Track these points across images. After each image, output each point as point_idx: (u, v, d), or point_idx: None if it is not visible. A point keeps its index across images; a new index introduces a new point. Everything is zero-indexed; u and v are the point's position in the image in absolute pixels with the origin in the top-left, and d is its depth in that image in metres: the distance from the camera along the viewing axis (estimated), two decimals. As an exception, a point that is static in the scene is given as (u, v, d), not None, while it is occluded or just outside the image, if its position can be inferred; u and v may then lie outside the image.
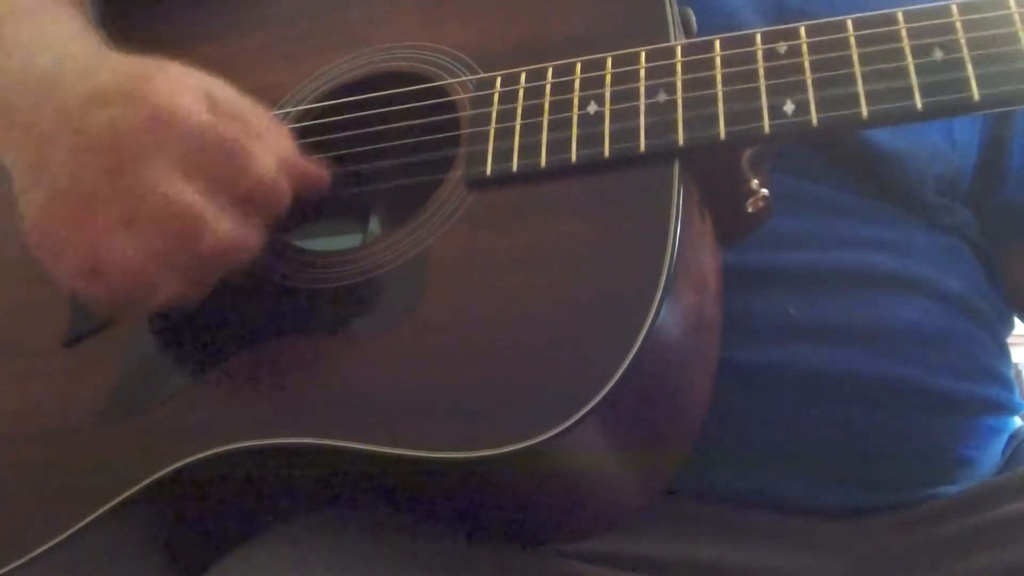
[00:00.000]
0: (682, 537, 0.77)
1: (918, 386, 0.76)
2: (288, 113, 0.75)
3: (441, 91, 0.72)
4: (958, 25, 0.61)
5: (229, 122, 0.64)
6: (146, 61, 0.66)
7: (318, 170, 0.69)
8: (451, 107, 0.71)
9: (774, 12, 0.79)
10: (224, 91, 0.66)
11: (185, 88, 0.64)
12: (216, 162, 0.63)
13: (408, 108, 0.72)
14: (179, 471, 0.64)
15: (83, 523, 0.65)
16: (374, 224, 0.75)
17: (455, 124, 0.70)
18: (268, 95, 0.74)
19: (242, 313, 0.69)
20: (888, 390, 0.76)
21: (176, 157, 0.62)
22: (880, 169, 0.80)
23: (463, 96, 0.70)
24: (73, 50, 0.70)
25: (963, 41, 0.61)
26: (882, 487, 0.79)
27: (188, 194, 0.62)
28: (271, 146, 0.65)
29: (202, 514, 0.68)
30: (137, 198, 0.62)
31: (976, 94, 0.59)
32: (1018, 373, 1.03)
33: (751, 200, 0.67)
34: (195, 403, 0.67)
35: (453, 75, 0.71)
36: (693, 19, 0.69)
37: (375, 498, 0.66)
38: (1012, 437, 0.86)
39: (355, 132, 0.73)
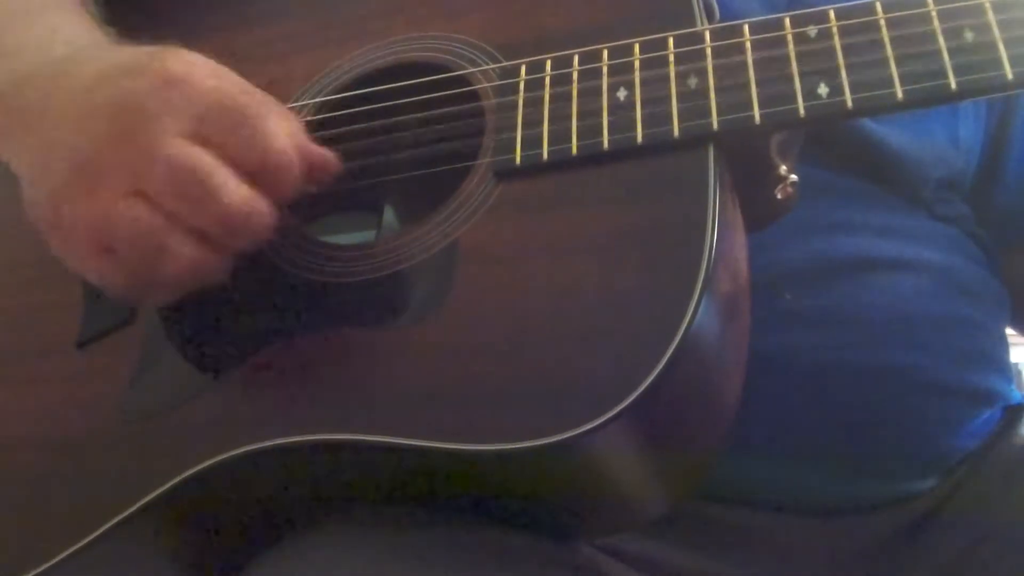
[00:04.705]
0: (676, 538, 0.77)
1: (917, 375, 0.76)
2: (305, 105, 0.74)
3: (462, 80, 0.71)
4: (987, 6, 0.61)
5: (242, 93, 0.63)
6: (159, 47, 0.65)
7: (327, 153, 0.67)
8: (472, 96, 0.70)
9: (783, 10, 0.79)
10: (233, 76, 0.65)
11: (199, 61, 0.63)
12: (229, 127, 0.61)
13: (428, 98, 0.71)
14: (207, 471, 0.62)
15: (110, 525, 0.63)
16: (388, 216, 0.74)
17: (477, 113, 0.69)
18: (283, 88, 0.73)
19: (269, 308, 0.67)
20: (886, 379, 0.76)
21: (186, 120, 0.61)
22: (883, 166, 0.80)
23: (486, 85, 0.69)
24: (84, 44, 0.69)
25: (994, 22, 0.61)
26: (880, 480, 0.79)
27: (198, 154, 0.60)
28: (283, 121, 0.64)
29: (229, 517, 0.66)
30: (146, 161, 0.60)
31: (1010, 73, 0.60)
32: (1018, 373, 1.04)
33: (780, 186, 0.67)
34: (220, 402, 0.66)
35: (475, 64, 0.71)
36: (715, 5, 0.69)
37: (404, 492, 0.65)
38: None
39: (373, 123, 0.72)
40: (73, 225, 0.62)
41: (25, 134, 0.66)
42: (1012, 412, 0.85)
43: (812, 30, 0.64)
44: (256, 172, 0.62)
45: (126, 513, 0.63)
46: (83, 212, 0.61)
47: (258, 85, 0.65)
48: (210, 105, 0.61)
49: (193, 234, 0.61)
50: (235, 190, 0.61)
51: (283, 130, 0.63)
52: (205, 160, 0.60)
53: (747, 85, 0.63)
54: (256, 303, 0.68)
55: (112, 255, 0.62)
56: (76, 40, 0.69)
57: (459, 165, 0.68)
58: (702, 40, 0.66)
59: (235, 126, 0.62)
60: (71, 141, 0.62)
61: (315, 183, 0.66)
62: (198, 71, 0.62)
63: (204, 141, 0.61)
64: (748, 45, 0.64)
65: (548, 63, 0.68)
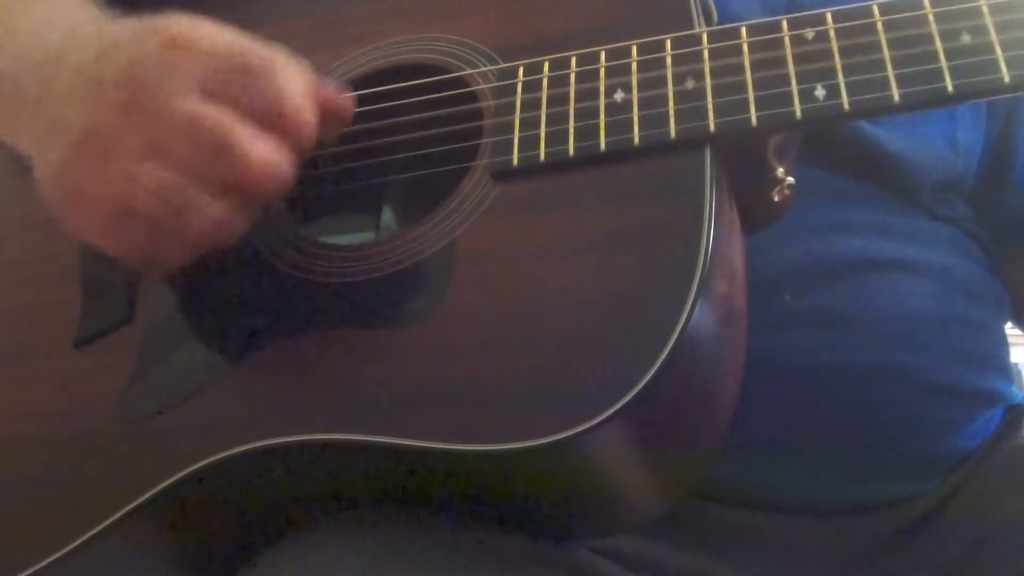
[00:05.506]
0: (675, 538, 0.77)
1: (917, 376, 0.76)
2: None
3: (461, 82, 0.71)
4: (985, 9, 0.61)
5: (247, 47, 0.63)
6: (157, 16, 0.65)
7: (340, 96, 0.67)
8: (471, 98, 0.70)
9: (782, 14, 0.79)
10: (234, 33, 0.64)
11: (199, 22, 0.63)
12: (239, 81, 0.61)
13: (427, 99, 0.71)
14: (206, 470, 0.62)
15: (107, 524, 0.63)
16: (387, 216, 0.74)
17: (475, 115, 0.69)
18: None
19: (268, 309, 0.68)
20: (886, 380, 0.76)
21: (195, 79, 0.61)
22: (882, 168, 0.80)
23: (484, 86, 0.69)
24: (82, 23, 0.69)
25: (990, 25, 0.61)
26: (880, 480, 0.79)
27: (213, 110, 0.60)
28: (292, 69, 0.64)
29: (228, 516, 0.67)
30: (160, 123, 0.60)
31: (1006, 76, 0.60)
32: (1018, 373, 1.04)
33: (777, 188, 0.67)
34: (220, 401, 0.66)
35: (473, 66, 0.71)
36: (713, 7, 0.69)
37: (403, 492, 0.65)
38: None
39: (372, 124, 0.72)
40: (88, 194, 0.62)
41: (30, 118, 0.66)
42: (1013, 413, 0.85)
43: (809, 32, 0.64)
44: (272, 123, 0.62)
45: (123, 512, 0.64)
46: (99, 179, 0.61)
47: None
48: (217, 61, 0.61)
49: (214, 190, 0.61)
50: (253, 142, 0.61)
51: (293, 78, 0.63)
52: (220, 115, 0.60)
53: (744, 87, 0.63)
54: (255, 304, 0.68)
55: (131, 220, 0.61)
56: (72, 21, 0.69)
57: (457, 166, 0.68)
58: (699, 42, 0.66)
59: (245, 79, 0.61)
60: (78, 115, 0.62)
61: (332, 127, 0.66)
62: (200, 31, 0.62)
63: (216, 98, 0.61)
64: (745, 47, 0.64)
65: (546, 65, 0.68)
